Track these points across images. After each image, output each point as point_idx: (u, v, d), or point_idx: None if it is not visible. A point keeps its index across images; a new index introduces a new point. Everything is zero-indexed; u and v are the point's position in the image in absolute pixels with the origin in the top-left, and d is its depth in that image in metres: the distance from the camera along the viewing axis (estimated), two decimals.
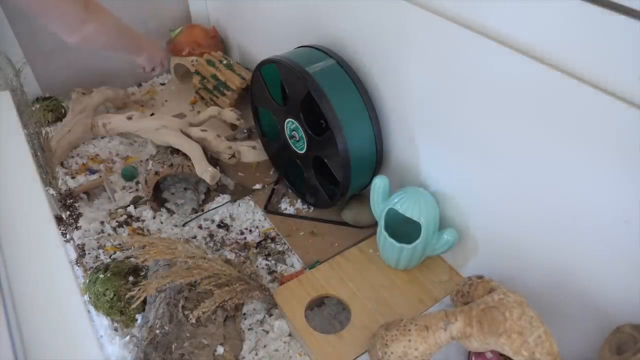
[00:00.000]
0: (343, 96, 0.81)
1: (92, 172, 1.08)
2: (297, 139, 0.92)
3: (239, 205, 1.02)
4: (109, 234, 0.94)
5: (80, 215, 0.97)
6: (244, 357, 0.75)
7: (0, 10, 1.11)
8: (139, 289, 0.71)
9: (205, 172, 0.93)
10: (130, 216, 0.98)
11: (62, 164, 1.10)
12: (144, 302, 0.78)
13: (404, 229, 0.80)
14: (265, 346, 0.77)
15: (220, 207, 1.01)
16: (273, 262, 0.90)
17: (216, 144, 1.01)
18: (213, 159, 1.05)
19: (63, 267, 0.52)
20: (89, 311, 0.80)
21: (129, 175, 1.07)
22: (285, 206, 1.01)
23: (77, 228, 0.95)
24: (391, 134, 0.87)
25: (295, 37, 0.97)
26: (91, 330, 0.45)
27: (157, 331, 0.70)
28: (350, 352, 0.73)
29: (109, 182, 1.04)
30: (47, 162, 0.94)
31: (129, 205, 1.00)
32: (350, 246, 0.91)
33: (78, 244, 0.92)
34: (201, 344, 0.70)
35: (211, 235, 0.95)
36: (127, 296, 0.75)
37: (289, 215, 0.99)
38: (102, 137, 1.16)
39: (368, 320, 0.77)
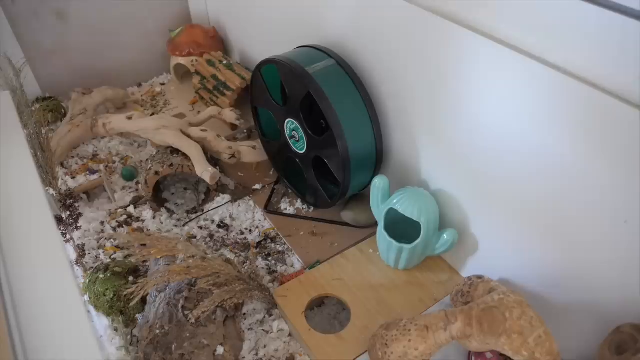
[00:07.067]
0: (343, 96, 0.81)
1: (92, 172, 1.08)
2: (297, 139, 0.92)
3: (239, 205, 1.01)
4: (109, 234, 0.94)
5: (80, 215, 0.97)
6: (244, 357, 0.75)
7: (1, 10, 1.11)
8: (137, 286, 0.70)
9: (205, 172, 0.93)
10: (130, 216, 0.98)
11: (62, 164, 1.09)
12: (144, 302, 0.78)
13: (404, 229, 0.80)
14: (265, 346, 0.77)
15: (220, 207, 1.01)
16: (273, 262, 0.90)
17: (216, 144, 1.01)
18: (213, 159, 1.05)
19: (63, 267, 0.52)
20: (89, 311, 0.80)
21: (129, 175, 1.07)
22: (285, 206, 1.01)
23: (77, 228, 0.95)
24: (391, 134, 0.87)
25: (295, 37, 0.97)
26: (91, 330, 0.45)
27: (157, 331, 0.70)
28: (350, 352, 0.73)
29: (109, 182, 1.04)
30: (47, 162, 0.94)
31: (129, 205, 1.00)
32: (350, 246, 0.91)
33: (78, 244, 0.92)
34: (201, 344, 0.70)
35: (211, 235, 0.95)
36: (125, 293, 0.74)
37: (289, 215, 0.99)
38: (102, 137, 1.16)
39: (368, 320, 0.77)
